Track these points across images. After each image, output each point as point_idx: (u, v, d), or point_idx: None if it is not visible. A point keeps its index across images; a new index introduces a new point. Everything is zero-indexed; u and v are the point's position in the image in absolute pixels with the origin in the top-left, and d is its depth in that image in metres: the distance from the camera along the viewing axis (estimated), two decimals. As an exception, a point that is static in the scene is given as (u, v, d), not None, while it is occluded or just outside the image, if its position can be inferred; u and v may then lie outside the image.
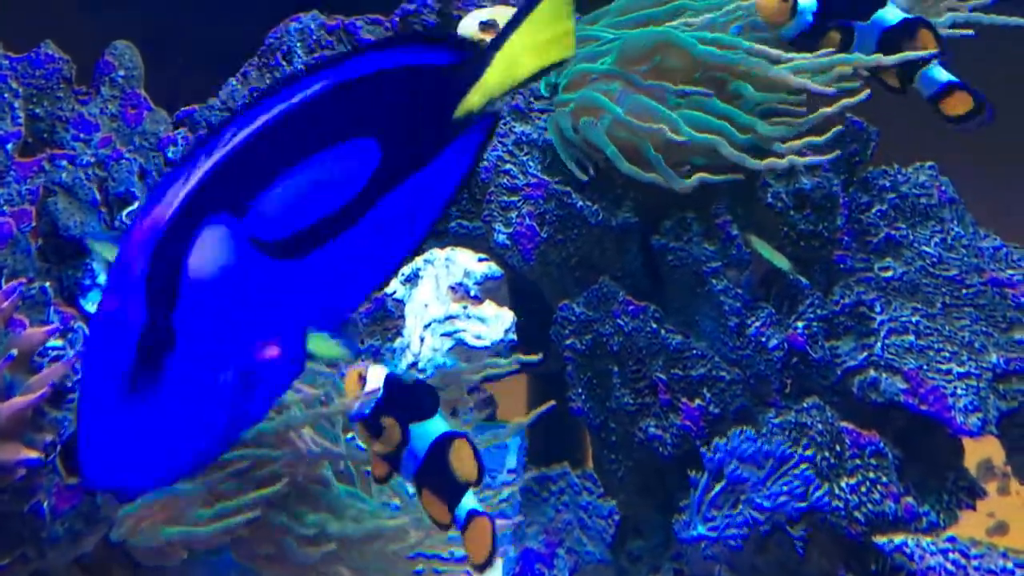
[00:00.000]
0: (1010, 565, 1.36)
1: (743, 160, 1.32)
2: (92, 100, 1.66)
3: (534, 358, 1.24)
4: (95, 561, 1.14)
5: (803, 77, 1.33)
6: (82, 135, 1.61)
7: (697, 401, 1.36)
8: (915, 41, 1.33)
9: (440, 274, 1.45)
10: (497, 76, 0.74)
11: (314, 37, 1.73)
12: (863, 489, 1.30)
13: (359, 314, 1.44)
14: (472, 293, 1.43)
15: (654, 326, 1.37)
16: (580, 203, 1.41)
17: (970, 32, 1.43)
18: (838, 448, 1.31)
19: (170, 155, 1.62)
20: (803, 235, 1.40)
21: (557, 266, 1.46)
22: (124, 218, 1.53)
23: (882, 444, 1.32)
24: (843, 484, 1.30)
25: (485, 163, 1.57)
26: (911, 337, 1.38)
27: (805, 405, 1.35)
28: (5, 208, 1.48)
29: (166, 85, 1.76)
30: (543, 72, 0.77)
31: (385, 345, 1.44)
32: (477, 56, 0.75)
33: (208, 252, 0.63)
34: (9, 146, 1.54)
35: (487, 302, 1.41)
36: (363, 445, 1.06)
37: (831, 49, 1.35)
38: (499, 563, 1.34)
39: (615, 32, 1.48)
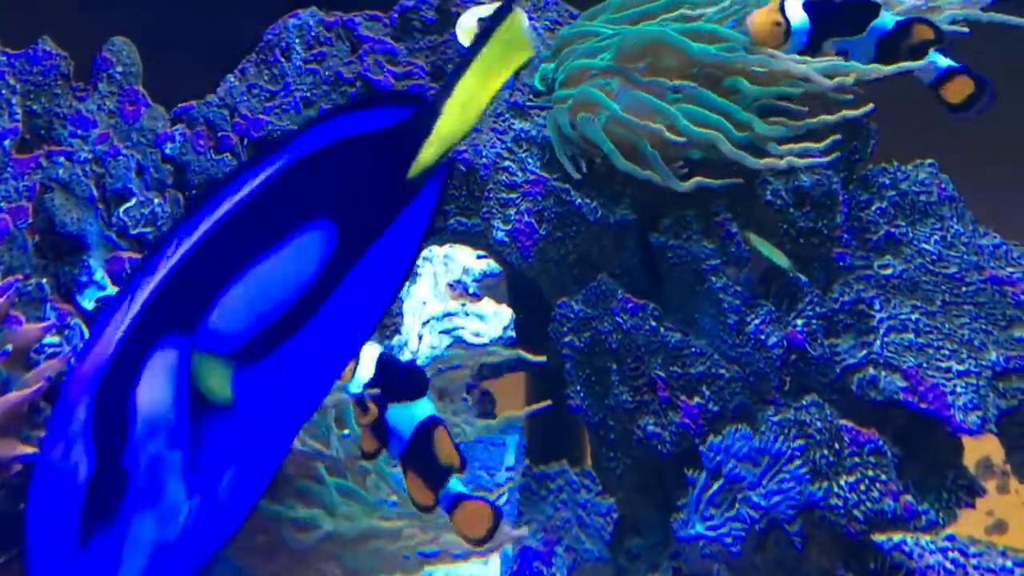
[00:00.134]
0: (1009, 564, 1.35)
1: (742, 158, 1.31)
2: (90, 96, 1.65)
3: (539, 359, 1.24)
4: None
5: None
6: (79, 131, 1.61)
7: (696, 399, 1.36)
8: (911, 38, 1.33)
9: (439, 271, 1.45)
10: (451, 124, 0.72)
11: (312, 33, 1.72)
12: (862, 487, 1.30)
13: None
14: (471, 290, 1.42)
15: (653, 324, 1.37)
16: (579, 200, 1.41)
17: (965, 30, 1.43)
18: (837, 446, 1.31)
19: (167, 151, 1.62)
20: (803, 232, 1.39)
21: (556, 263, 1.46)
22: (121, 215, 1.53)
23: (881, 442, 1.32)
24: (842, 482, 1.30)
25: (484, 160, 1.56)
26: (910, 335, 1.37)
27: (804, 403, 1.34)
28: (2, 204, 1.48)
29: (164, 81, 1.76)
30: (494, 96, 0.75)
31: (383, 342, 1.43)
32: (428, 107, 0.72)
33: (157, 383, 0.59)
34: (6, 142, 1.54)
35: (486, 299, 1.41)
36: (355, 424, 1.08)
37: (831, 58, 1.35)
38: (497, 561, 1.33)
39: (614, 28, 1.48)
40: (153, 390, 0.60)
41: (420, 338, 1.39)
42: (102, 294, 1.48)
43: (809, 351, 1.37)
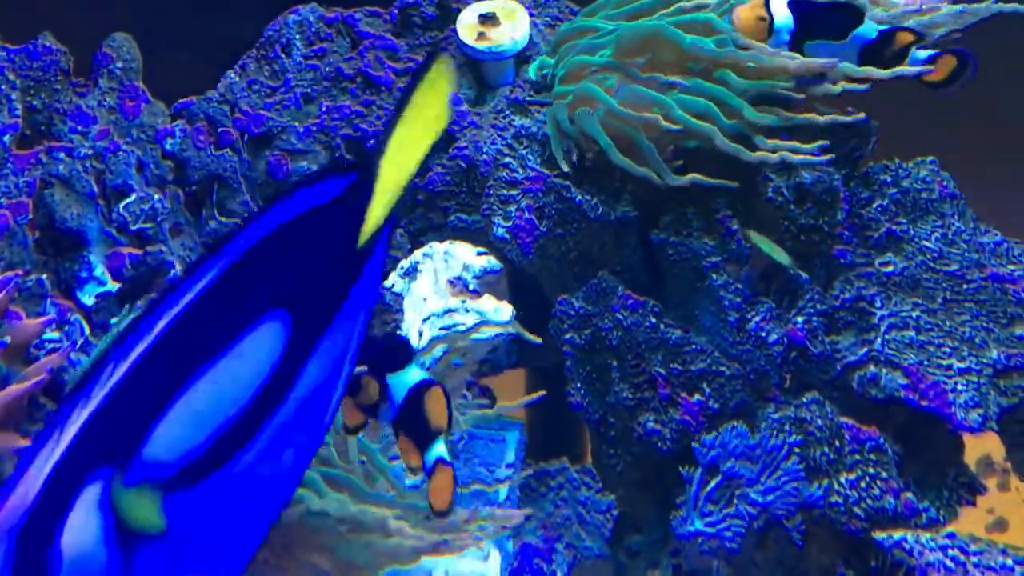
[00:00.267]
0: (1009, 562, 1.35)
1: (738, 152, 1.31)
2: (90, 92, 1.65)
3: (536, 339, 1.24)
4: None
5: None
6: (80, 127, 1.61)
7: (697, 396, 1.36)
8: (894, 45, 1.33)
9: (439, 268, 1.44)
10: (390, 183, 0.71)
11: (313, 29, 1.72)
12: (863, 485, 1.30)
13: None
14: (471, 287, 1.42)
15: (653, 321, 1.37)
16: (579, 197, 1.40)
17: (957, 35, 1.42)
18: (838, 443, 1.31)
19: (168, 147, 1.62)
20: (803, 230, 1.39)
21: (556, 260, 1.46)
22: (121, 211, 1.52)
23: (882, 440, 1.32)
24: (842, 480, 1.30)
25: (485, 156, 1.56)
26: (911, 332, 1.37)
27: (805, 400, 1.34)
28: (2, 200, 1.48)
29: (164, 77, 1.75)
30: (429, 154, 0.74)
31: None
32: (364, 173, 0.70)
33: (84, 520, 0.56)
34: (6, 138, 1.54)
35: (486, 296, 1.41)
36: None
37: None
38: (497, 558, 1.33)
39: (613, 24, 1.48)
40: (80, 528, 0.57)
41: (420, 334, 1.39)
42: (102, 290, 1.48)
43: (810, 348, 1.37)
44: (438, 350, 1.26)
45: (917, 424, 1.37)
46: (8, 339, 1.05)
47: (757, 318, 1.37)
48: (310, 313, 0.67)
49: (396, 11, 1.75)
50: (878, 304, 1.39)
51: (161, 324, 0.61)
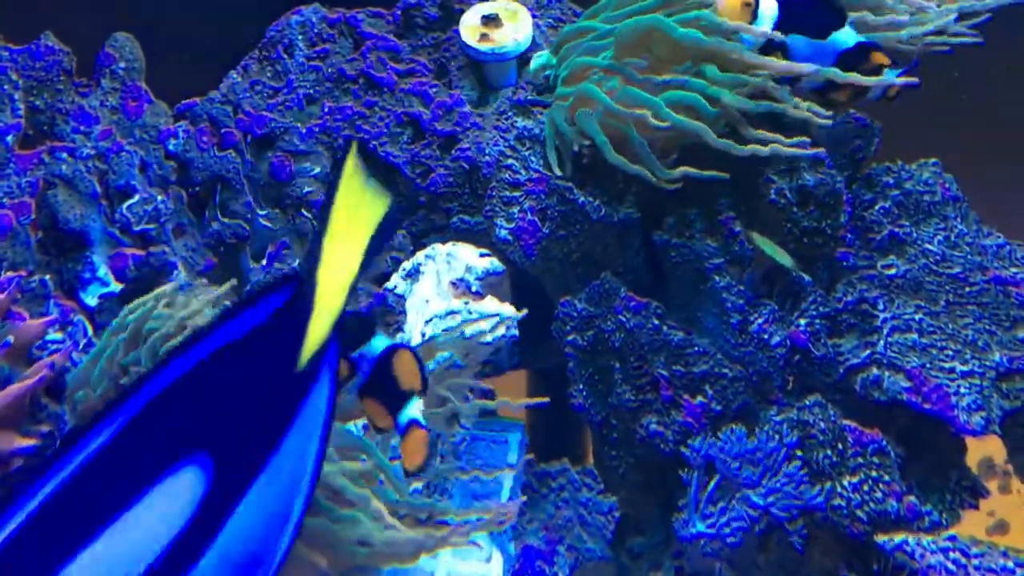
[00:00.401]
0: (1010, 564, 1.35)
1: (729, 147, 1.30)
2: (92, 93, 1.65)
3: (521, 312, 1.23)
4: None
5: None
6: (82, 127, 1.61)
7: (699, 398, 1.35)
8: (868, 63, 1.33)
9: (441, 269, 1.44)
10: (331, 291, 0.65)
11: (315, 30, 1.72)
12: (865, 488, 1.30)
13: (361, 309, 1.43)
14: (474, 288, 1.42)
15: (656, 322, 1.37)
16: (582, 199, 1.40)
17: (946, 49, 1.42)
18: (840, 446, 1.31)
19: (171, 148, 1.62)
20: (806, 232, 1.39)
21: (559, 261, 1.45)
22: (124, 211, 1.52)
23: (885, 442, 1.32)
24: (845, 482, 1.30)
25: (487, 158, 1.56)
26: (914, 335, 1.37)
27: (807, 403, 1.34)
28: (5, 200, 1.48)
29: (166, 78, 1.75)
30: (380, 240, 0.68)
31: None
32: (301, 287, 0.64)
33: None
34: (9, 138, 1.54)
35: (489, 297, 1.41)
36: None
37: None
38: (499, 559, 1.33)
39: (613, 25, 1.48)
40: None
41: (423, 336, 1.39)
42: (105, 290, 1.48)
43: (812, 351, 1.37)
44: (440, 352, 1.26)
45: (919, 427, 1.37)
46: (12, 339, 1.05)
47: (760, 320, 1.37)
48: (238, 455, 0.61)
49: (399, 12, 1.75)
50: (881, 307, 1.39)
51: (63, 474, 0.56)
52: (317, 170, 1.60)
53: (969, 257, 1.42)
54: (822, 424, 1.32)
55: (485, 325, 1.34)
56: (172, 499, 0.58)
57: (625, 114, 1.32)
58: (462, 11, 1.68)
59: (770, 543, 1.32)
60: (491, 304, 1.41)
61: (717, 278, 1.37)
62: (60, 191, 1.50)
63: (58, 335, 1.30)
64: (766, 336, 1.37)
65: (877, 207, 1.44)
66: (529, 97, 1.57)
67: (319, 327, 0.65)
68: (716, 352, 1.37)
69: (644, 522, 1.45)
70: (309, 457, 0.65)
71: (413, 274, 1.46)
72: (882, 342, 1.37)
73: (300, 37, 1.71)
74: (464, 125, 1.62)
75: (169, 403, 0.59)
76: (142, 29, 1.72)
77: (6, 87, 1.56)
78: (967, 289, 1.40)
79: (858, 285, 1.41)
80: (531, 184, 1.49)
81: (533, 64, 1.58)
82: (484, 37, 1.63)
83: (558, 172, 1.42)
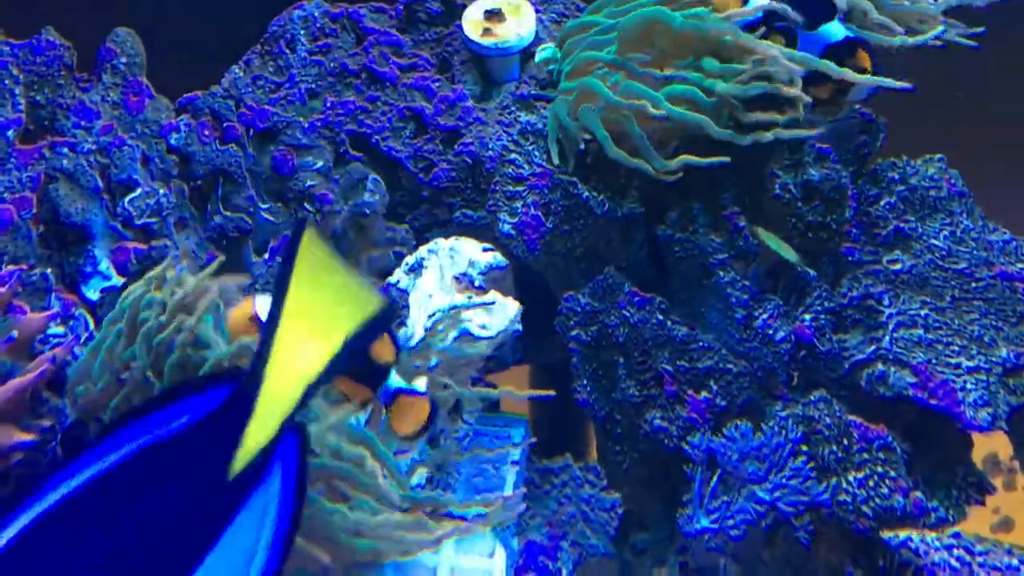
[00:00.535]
0: (1015, 562, 1.34)
1: (732, 137, 1.29)
2: (93, 87, 1.64)
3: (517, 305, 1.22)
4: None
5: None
6: (83, 122, 1.60)
7: (703, 393, 1.35)
8: (854, 60, 1.31)
9: (444, 264, 1.44)
10: (280, 388, 0.57)
11: (318, 25, 1.71)
12: (871, 483, 1.29)
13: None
14: (477, 283, 1.42)
15: (660, 317, 1.36)
16: (586, 193, 1.40)
17: (940, 44, 1.41)
18: (846, 442, 1.30)
19: (172, 142, 1.61)
20: (811, 227, 1.39)
21: (562, 256, 1.45)
22: (126, 205, 1.52)
23: (890, 438, 1.31)
24: (851, 478, 1.29)
25: (490, 152, 1.56)
26: (920, 331, 1.37)
27: (812, 398, 1.34)
28: (6, 195, 1.47)
29: (167, 73, 1.75)
30: (357, 342, 0.59)
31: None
32: (247, 378, 0.57)
33: None
34: (10, 133, 1.53)
35: (492, 292, 1.40)
36: None
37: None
38: (502, 555, 1.33)
39: (615, 20, 1.47)
40: None
41: (426, 330, 1.38)
42: (107, 284, 1.47)
43: (817, 346, 1.37)
44: (443, 347, 1.25)
45: (926, 422, 1.36)
46: (16, 334, 1.04)
47: (764, 315, 1.36)
48: None
49: (401, 7, 1.74)
50: (886, 302, 1.38)
51: None
52: (319, 164, 1.59)
53: (975, 252, 1.41)
54: (827, 420, 1.31)
55: (488, 319, 1.34)
56: None
57: (624, 105, 1.32)
58: (465, 6, 1.68)
59: (776, 538, 1.32)
60: (494, 299, 1.40)
61: (721, 273, 1.37)
62: (61, 185, 1.50)
63: (60, 329, 1.29)
64: (771, 331, 1.36)
65: (882, 202, 1.43)
66: (532, 92, 1.57)
67: (257, 434, 0.57)
68: (720, 347, 1.36)
69: (648, 518, 1.45)
70: (254, 569, 0.57)
71: (416, 269, 1.45)
72: (887, 338, 1.36)
73: (302, 32, 1.71)
74: (467, 120, 1.61)
75: (80, 507, 0.52)
76: (142, 29, 1.72)
77: (7, 82, 1.55)
78: (973, 285, 1.39)
79: (863, 280, 1.40)
80: (534, 179, 1.49)
81: (538, 56, 1.58)
82: (487, 32, 1.62)
83: (558, 162, 1.42)
